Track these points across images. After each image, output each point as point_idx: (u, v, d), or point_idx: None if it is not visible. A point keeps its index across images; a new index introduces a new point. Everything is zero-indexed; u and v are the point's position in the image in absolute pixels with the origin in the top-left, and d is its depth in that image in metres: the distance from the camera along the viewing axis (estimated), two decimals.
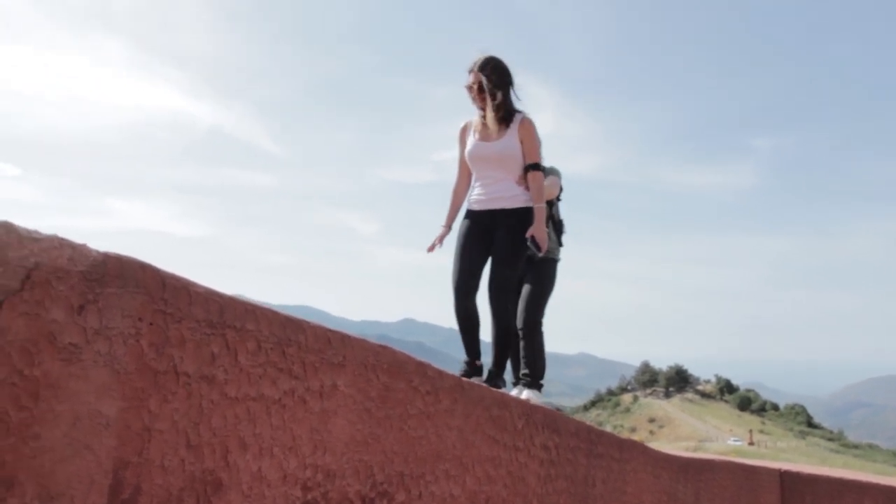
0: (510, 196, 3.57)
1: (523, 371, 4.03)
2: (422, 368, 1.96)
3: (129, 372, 1.26)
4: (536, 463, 2.59)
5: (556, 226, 4.28)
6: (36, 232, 1.18)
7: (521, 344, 4.04)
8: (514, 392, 3.94)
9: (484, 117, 3.63)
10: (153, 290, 1.30)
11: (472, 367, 3.51)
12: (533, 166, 3.55)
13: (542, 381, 4.06)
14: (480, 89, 3.57)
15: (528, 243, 3.46)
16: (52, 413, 1.17)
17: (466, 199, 3.75)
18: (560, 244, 4.29)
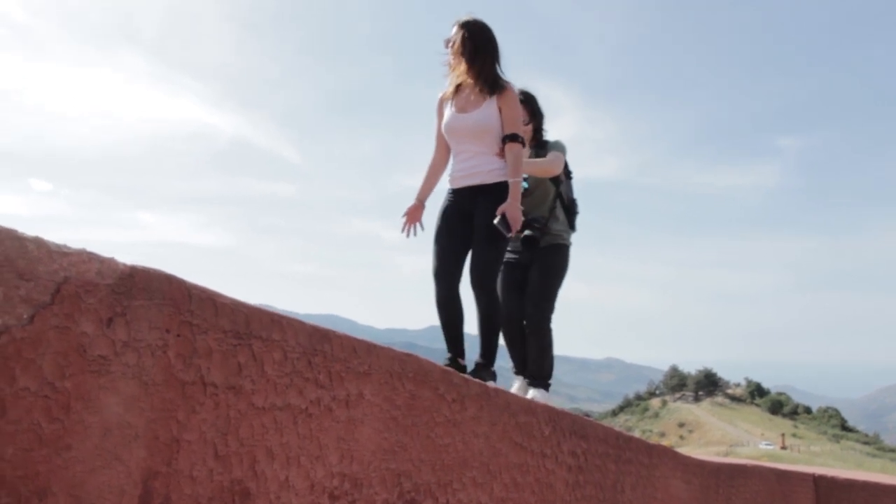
0: (488, 170, 3.24)
1: (530, 369, 3.72)
2: (447, 376, 1.95)
3: (157, 383, 1.28)
4: (564, 469, 2.57)
5: (568, 207, 3.90)
6: (65, 246, 1.20)
7: (528, 340, 3.73)
8: (515, 385, 3.75)
9: (458, 84, 3.32)
10: (180, 301, 1.32)
11: (455, 366, 3.15)
12: (510, 137, 3.20)
13: (549, 381, 3.74)
14: (462, 48, 3.25)
15: (496, 222, 3.08)
16: (83, 424, 1.18)
17: (450, 175, 3.44)
18: (572, 227, 3.90)
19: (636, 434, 4.13)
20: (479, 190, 3.23)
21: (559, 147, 3.80)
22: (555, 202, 3.80)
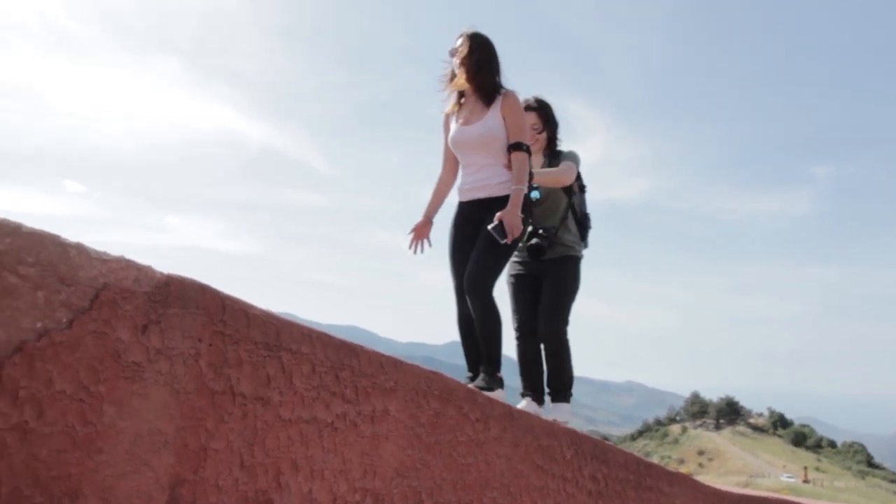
0: (496, 183, 3.19)
1: (549, 383, 3.62)
2: (472, 395, 1.96)
3: (188, 391, 1.29)
4: (584, 494, 2.55)
5: (580, 220, 3.78)
6: (105, 253, 1.22)
7: (545, 355, 3.62)
8: (521, 404, 3.53)
9: (460, 96, 3.31)
10: (213, 311, 1.34)
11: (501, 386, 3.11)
12: (514, 146, 3.14)
13: (570, 392, 3.65)
14: (468, 58, 3.22)
15: (491, 227, 2.99)
16: (115, 429, 1.20)
17: (458, 187, 3.40)
18: (583, 240, 3.79)
19: (655, 460, 4.05)
20: (488, 203, 3.18)
21: (572, 157, 3.71)
22: (566, 213, 3.71)
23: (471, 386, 2.31)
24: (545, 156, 3.79)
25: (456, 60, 3.28)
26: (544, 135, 3.78)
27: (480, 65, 3.22)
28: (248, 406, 1.37)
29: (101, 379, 1.18)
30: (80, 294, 1.16)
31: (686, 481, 3.58)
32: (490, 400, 2.05)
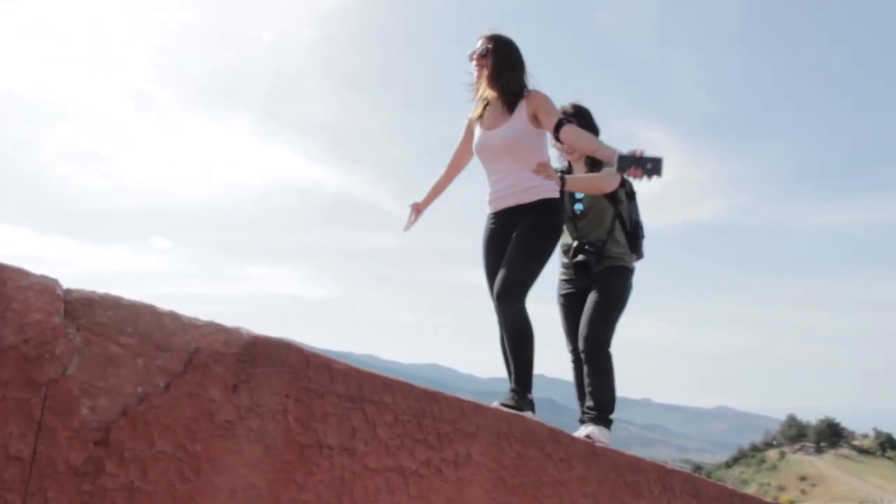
0: (526, 189, 2.91)
1: (587, 404, 3.16)
2: (554, 435, 1.95)
3: (277, 446, 1.35)
4: None
5: (631, 230, 3.45)
6: (196, 319, 1.30)
7: (585, 370, 3.20)
8: (580, 432, 3.03)
9: (485, 101, 3.05)
10: (298, 368, 1.40)
11: (519, 400, 2.76)
12: (558, 124, 2.83)
13: (611, 417, 3.15)
14: (492, 59, 2.98)
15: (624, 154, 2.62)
16: (212, 485, 1.27)
17: (488, 198, 3.12)
18: (635, 252, 3.45)
19: (753, 488, 3.88)
20: (519, 210, 2.92)
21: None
22: (613, 224, 3.39)
23: (495, 404, 2.20)
24: (586, 164, 3.47)
25: (474, 63, 3.09)
26: None
27: (502, 66, 2.98)
28: (335, 457, 1.42)
29: (197, 438, 1.25)
30: (175, 359, 1.24)
31: None
32: (573, 439, 2.04)
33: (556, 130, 2.84)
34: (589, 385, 3.14)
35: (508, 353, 2.82)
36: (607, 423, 3.07)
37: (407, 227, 3.29)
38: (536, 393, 2.88)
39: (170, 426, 1.22)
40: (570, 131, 2.82)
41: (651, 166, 2.56)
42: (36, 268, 1.13)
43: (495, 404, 2.23)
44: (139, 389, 1.20)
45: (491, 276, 2.94)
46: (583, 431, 2.97)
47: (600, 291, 3.24)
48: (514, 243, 2.81)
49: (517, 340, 2.76)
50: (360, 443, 1.46)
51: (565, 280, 3.45)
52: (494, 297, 2.79)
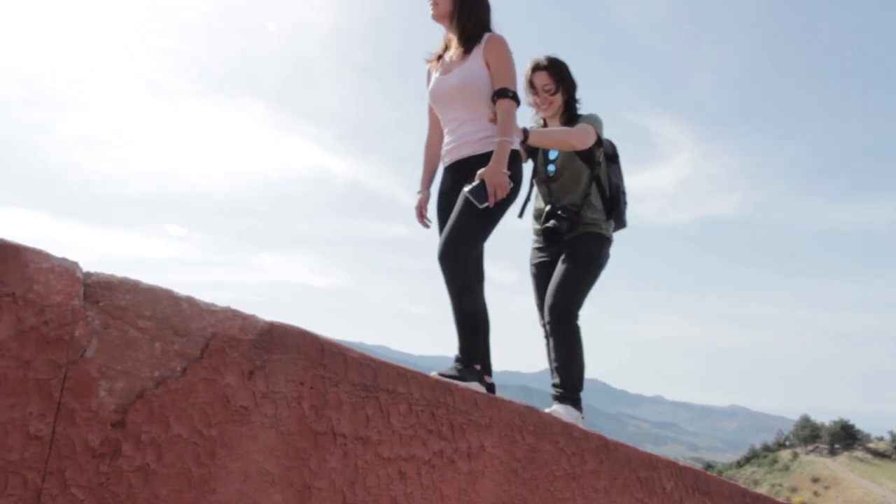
0: (478, 139, 2.65)
1: (553, 381, 2.90)
2: (567, 429, 1.95)
3: (291, 433, 1.36)
4: None
5: (608, 193, 3.14)
6: (213, 305, 1.31)
7: (549, 343, 2.94)
8: (552, 409, 2.77)
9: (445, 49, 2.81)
10: (313, 355, 1.40)
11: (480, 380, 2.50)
12: (500, 92, 2.60)
13: (579, 394, 2.88)
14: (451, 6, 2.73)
15: (467, 190, 2.47)
16: (226, 470, 1.28)
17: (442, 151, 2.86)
18: (609, 218, 3.11)
19: (764, 488, 3.85)
20: (471, 163, 2.65)
21: (591, 119, 3.05)
22: (589, 187, 3.08)
23: (434, 374, 1.98)
24: (562, 122, 3.17)
25: (532, 97, 2.99)
26: (559, 97, 3.10)
27: (462, 4, 2.72)
28: (348, 446, 1.42)
29: (213, 423, 1.26)
30: (191, 344, 1.25)
31: None
32: (585, 433, 2.04)
33: (494, 96, 2.63)
34: (555, 360, 2.88)
35: (454, 319, 2.54)
36: (575, 403, 2.83)
37: (426, 224, 2.95)
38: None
39: (186, 410, 1.23)
40: (504, 108, 2.60)
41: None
42: (52, 251, 1.14)
43: (434, 374, 2.00)
44: (156, 373, 1.21)
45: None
46: (552, 408, 2.75)
47: (570, 258, 2.96)
48: (463, 202, 2.52)
49: (462, 301, 2.50)
50: (373, 432, 1.46)
51: (537, 248, 3.18)
52: (438, 259, 2.52)
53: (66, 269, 1.13)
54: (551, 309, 2.89)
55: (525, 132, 2.73)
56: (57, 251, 1.15)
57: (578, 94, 3.16)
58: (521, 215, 2.99)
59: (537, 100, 3.08)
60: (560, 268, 2.95)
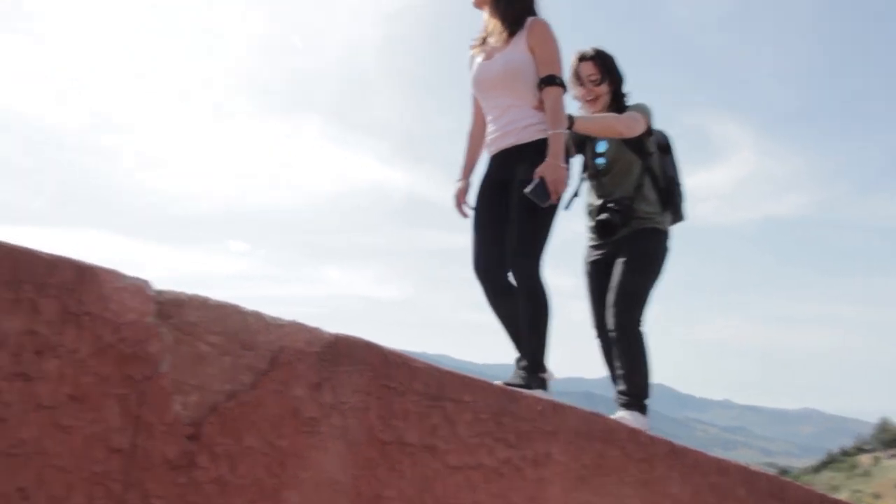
0: (524, 126, 2.56)
1: (619, 388, 2.81)
2: (634, 435, 1.92)
3: (359, 443, 1.38)
4: None
5: (664, 185, 3.01)
6: (279, 319, 1.34)
7: (615, 351, 2.85)
8: (618, 415, 2.70)
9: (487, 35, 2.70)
10: (378, 366, 1.42)
11: (528, 374, 2.52)
12: (546, 80, 2.53)
13: (645, 401, 2.79)
14: None
15: (528, 190, 2.41)
16: (297, 479, 1.30)
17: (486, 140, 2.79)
18: (664, 210, 2.98)
19: (844, 495, 3.71)
20: (516, 152, 2.58)
21: (640, 108, 2.93)
22: (642, 178, 2.95)
23: (497, 383, 1.92)
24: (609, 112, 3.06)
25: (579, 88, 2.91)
26: (605, 87, 2.98)
27: None
28: (416, 455, 1.44)
29: (283, 434, 1.29)
30: (260, 358, 1.28)
31: None
32: (653, 439, 2.00)
33: (541, 84, 2.56)
34: (620, 367, 2.81)
35: (523, 326, 2.53)
36: (642, 409, 2.76)
37: (464, 213, 2.86)
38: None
39: (256, 423, 1.26)
40: (552, 97, 2.54)
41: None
42: (123, 270, 1.18)
43: (498, 383, 1.98)
44: (227, 386, 1.24)
45: (479, 235, 2.67)
46: (616, 415, 2.68)
47: (629, 257, 2.84)
48: (524, 203, 2.46)
49: (533, 309, 2.50)
50: (440, 441, 1.47)
51: (592, 246, 3.06)
52: (513, 268, 2.53)
53: (139, 288, 1.17)
54: (615, 318, 2.80)
55: (570, 119, 2.63)
56: (127, 270, 1.19)
57: (627, 89, 3.05)
58: (567, 207, 2.85)
59: (583, 91, 2.99)
60: (618, 270, 2.84)
